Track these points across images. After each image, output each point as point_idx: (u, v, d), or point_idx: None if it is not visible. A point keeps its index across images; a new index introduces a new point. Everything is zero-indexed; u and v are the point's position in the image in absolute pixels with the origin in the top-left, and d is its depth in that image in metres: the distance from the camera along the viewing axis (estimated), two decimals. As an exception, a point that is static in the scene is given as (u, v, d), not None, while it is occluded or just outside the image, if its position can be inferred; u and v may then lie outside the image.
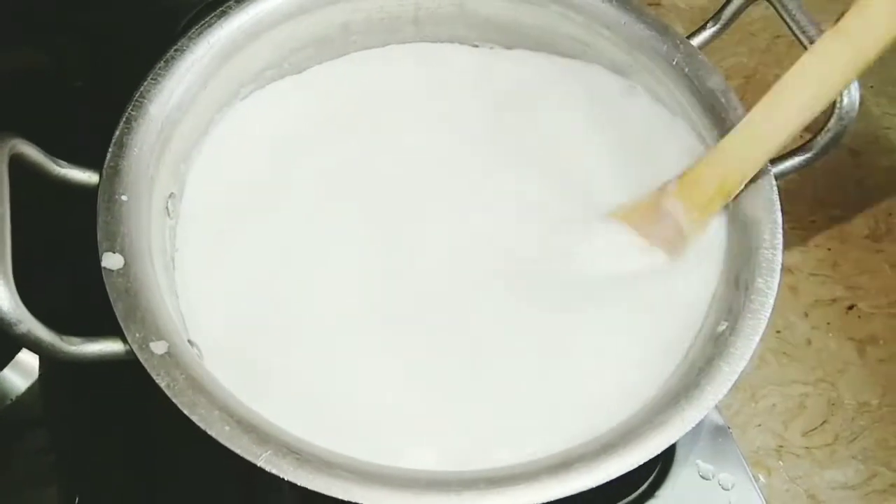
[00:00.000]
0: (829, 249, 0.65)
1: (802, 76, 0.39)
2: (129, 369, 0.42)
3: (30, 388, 0.50)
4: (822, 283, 0.63)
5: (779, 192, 0.39)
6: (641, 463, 0.31)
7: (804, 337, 0.61)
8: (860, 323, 0.61)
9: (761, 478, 0.55)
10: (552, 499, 0.30)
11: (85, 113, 0.55)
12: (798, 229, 0.66)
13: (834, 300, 0.62)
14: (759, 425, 0.57)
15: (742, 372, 0.34)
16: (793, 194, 0.67)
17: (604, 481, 0.31)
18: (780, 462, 0.56)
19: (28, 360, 0.51)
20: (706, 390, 0.33)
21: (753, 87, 0.73)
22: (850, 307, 0.62)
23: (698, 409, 0.33)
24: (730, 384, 0.33)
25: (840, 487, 0.55)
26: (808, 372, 0.59)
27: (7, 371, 0.50)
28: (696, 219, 0.40)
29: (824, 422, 0.57)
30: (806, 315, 0.62)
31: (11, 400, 0.50)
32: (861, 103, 0.71)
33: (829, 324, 0.61)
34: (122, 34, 0.61)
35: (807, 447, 0.56)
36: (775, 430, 0.57)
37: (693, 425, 0.32)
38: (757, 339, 0.34)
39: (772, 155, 0.39)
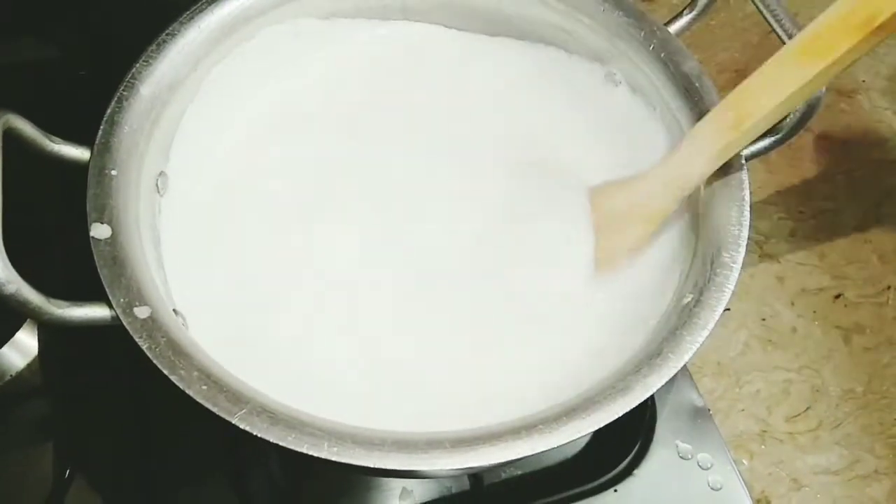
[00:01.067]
0: (818, 240, 0.65)
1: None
2: (123, 350, 0.44)
3: (28, 366, 0.52)
4: (810, 272, 0.64)
5: (748, 173, 0.40)
6: (603, 425, 0.32)
7: (790, 325, 0.61)
8: (846, 312, 0.62)
9: (744, 462, 0.56)
10: (514, 458, 0.32)
11: (87, 99, 0.57)
12: (786, 219, 0.66)
13: (821, 289, 0.63)
14: (743, 410, 0.58)
15: (703, 342, 0.35)
16: (782, 185, 0.68)
17: (566, 441, 0.32)
18: (763, 446, 0.56)
19: (26, 339, 0.52)
20: (668, 358, 0.34)
21: (745, 82, 0.74)
22: (837, 296, 0.63)
23: (660, 376, 0.33)
24: (691, 352, 0.34)
25: (823, 472, 0.56)
26: (792, 359, 0.60)
27: (6, 349, 0.52)
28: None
29: (808, 408, 0.58)
30: (792, 304, 0.62)
31: (11, 376, 0.52)
32: (850, 95, 0.73)
33: (815, 312, 0.62)
34: (125, 26, 0.63)
35: (790, 432, 0.57)
36: (759, 415, 0.57)
37: (654, 391, 0.33)
38: (720, 310, 0.35)
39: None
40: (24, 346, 0.52)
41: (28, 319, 0.52)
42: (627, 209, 0.41)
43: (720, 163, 0.39)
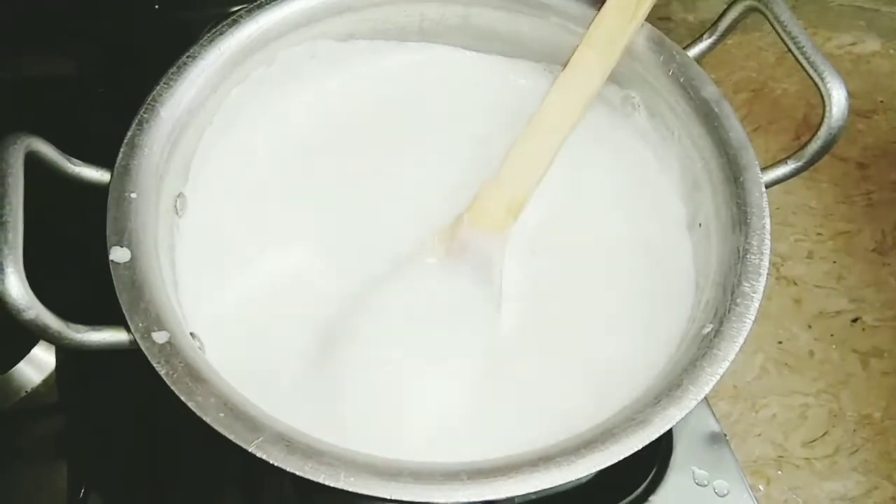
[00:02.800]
0: (835, 262, 0.65)
1: (561, 90, 0.45)
2: (139, 367, 0.44)
3: (44, 382, 0.52)
4: (827, 295, 0.63)
5: (768, 198, 0.40)
6: (621, 458, 0.32)
7: (807, 348, 0.61)
8: (864, 335, 0.61)
9: (761, 487, 0.55)
10: (533, 490, 0.31)
11: (105, 117, 0.57)
12: (804, 241, 0.66)
13: (838, 312, 0.62)
14: (759, 435, 0.57)
15: (725, 373, 0.34)
16: (799, 207, 0.68)
17: (584, 475, 0.32)
18: (780, 472, 0.56)
19: (42, 355, 0.53)
20: (688, 390, 0.34)
21: (761, 101, 0.73)
22: (855, 319, 0.62)
23: (679, 409, 0.33)
24: (711, 384, 0.34)
25: (840, 499, 0.55)
26: (809, 383, 0.59)
27: (22, 364, 0.52)
28: (492, 240, 0.43)
29: (825, 433, 0.57)
30: (809, 327, 0.62)
31: (27, 392, 0.52)
32: (868, 116, 0.72)
33: (832, 335, 0.61)
34: (142, 45, 0.64)
35: (807, 458, 0.56)
36: (775, 439, 0.57)
37: (673, 424, 0.33)
38: (741, 341, 0.35)
39: (547, 167, 0.44)
40: (41, 361, 0.53)
41: (44, 336, 0.52)
42: None
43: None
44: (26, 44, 0.62)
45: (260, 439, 0.32)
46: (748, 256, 0.37)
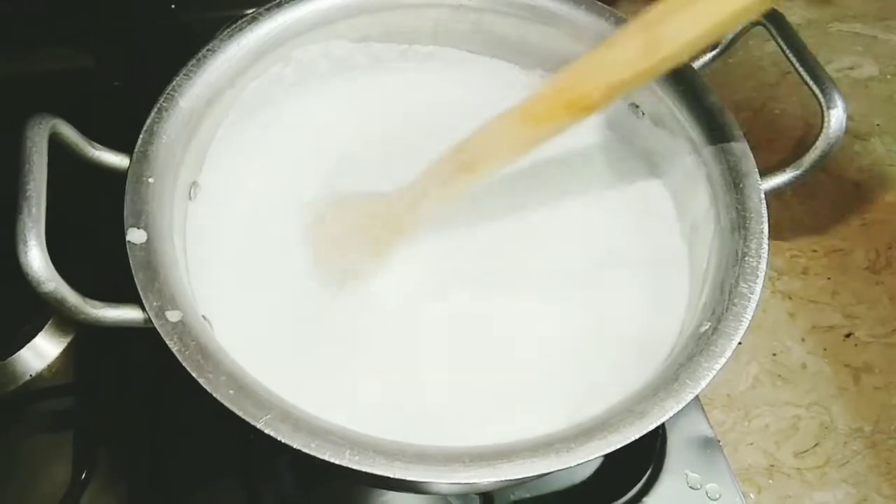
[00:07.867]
0: (829, 278, 0.66)
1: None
2: (149, 353, 0.44)
3: (48, 367, 0.53)
4: (821, 310, 0.65)
5: (768, 207, 0.41)
6: (619, 447, 0.33)
7: (800, 361, 0.62)
8: (856, 351, 0.62)
9: (752, 495, 0.56)
10: (531, 475, 0.32)
11: (122, 108, 0.59)
12: (800, 257, 0.67)
13: (831, 327, 0.64)
14: (752, 444, 0.58)
15: (721, 369, 0.35)
16: (796, 223, 0.69)
17: (582, 461, 0.32)
18: (771, 481, 0.56)
19: (44, 344, 0.53)
20: (686, 384, 0.35)
21: (761, 121, 0.75)
22: (848, 335, 0.63)
23: (677, 401, 0.34)
24: (708, 379, 0.35)
25: (829, 510, 0.56)
26: (802, 395, 0.60)
27: (24, 351, 0.52)
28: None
29: (816, 444, 0.58)
30: (803, 340, 0.63)
31: (31, 376, 0.53)
32: (865, 138, 0.74)
33: (825, 350, 0.62)
34: (158, 41, 0.65)
35: (798, 468, 0.57)
36: (767, 449, 0.58)
37: (670, 415, 0.34)
38: (737, 338, 0.36)
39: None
40: (43, 350, 0.53)
41: (48, 323, 0.53)
42: None
43: None
44: (46, 38, 0.64)
45: (268, 416, 0.33)
46: (746, 259, 0.38)
